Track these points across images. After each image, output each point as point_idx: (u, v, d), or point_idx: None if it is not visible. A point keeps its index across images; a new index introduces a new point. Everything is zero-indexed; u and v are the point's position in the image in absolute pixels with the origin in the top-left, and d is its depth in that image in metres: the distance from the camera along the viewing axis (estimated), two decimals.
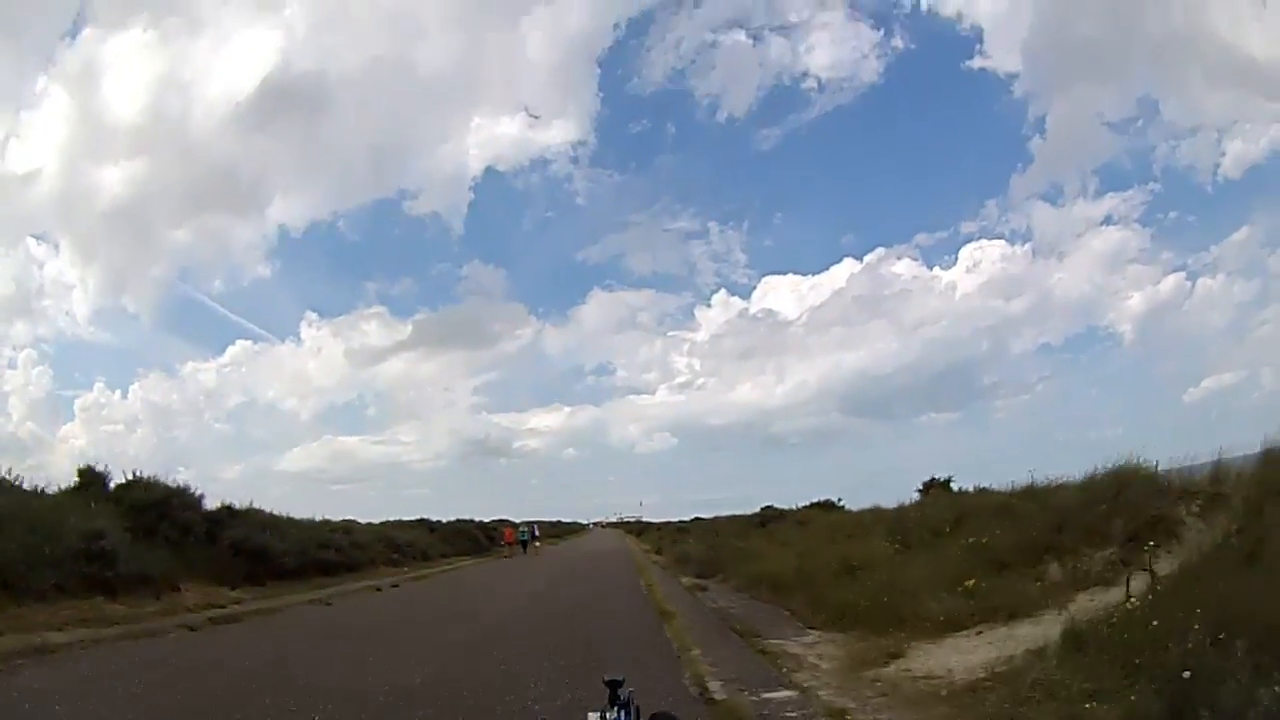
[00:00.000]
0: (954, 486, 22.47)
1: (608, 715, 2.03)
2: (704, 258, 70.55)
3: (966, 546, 10.11)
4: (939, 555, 10.62)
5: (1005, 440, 66.24)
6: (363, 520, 32.09)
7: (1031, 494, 11.06)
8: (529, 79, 68.43)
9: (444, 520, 39.49)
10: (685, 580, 17.18)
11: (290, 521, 19.71)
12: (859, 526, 17.86)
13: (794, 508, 30.76)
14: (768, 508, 35.80)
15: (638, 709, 2.14)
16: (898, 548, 12.94)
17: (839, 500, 32.23)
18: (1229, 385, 56.86)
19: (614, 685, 2.09)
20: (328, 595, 15.25)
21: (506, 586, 17.33)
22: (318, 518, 22.73)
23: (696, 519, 64.84)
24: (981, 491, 15.18)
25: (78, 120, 51.57)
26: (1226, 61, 45.11)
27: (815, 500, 32.22)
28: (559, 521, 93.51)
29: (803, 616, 11.33)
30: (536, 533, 37.18)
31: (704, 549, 23.25)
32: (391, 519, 35.23)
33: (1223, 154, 48.45)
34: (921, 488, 23.99)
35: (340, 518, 30.43)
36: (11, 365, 55.67)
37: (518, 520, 60.85)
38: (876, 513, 19.45)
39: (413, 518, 36.06)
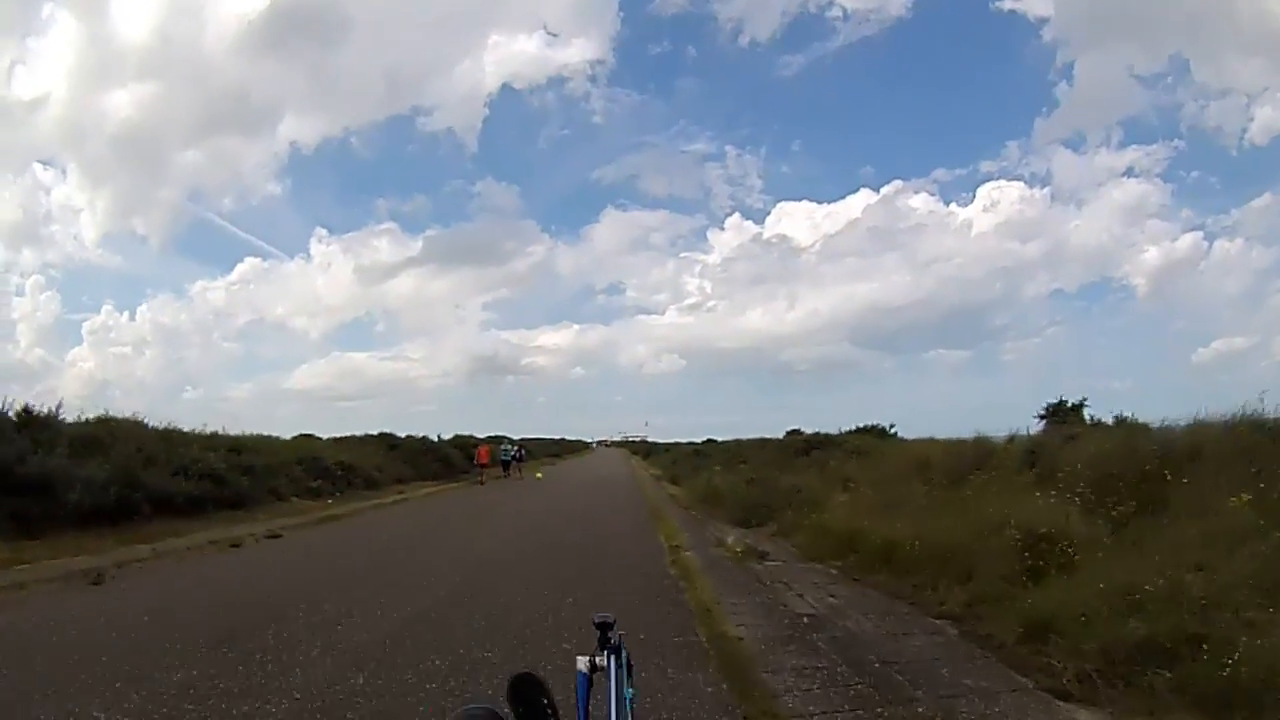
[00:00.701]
0: (1088, 414, 16.28)
1: (597, 659, 1.90)
2: (719, 181, 69.19)
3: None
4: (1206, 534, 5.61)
5: (1012, 382, 65.85)
6: (324, 436, 26.55)
7: None
8: None
9: (444, 437, 34.60)
10: (728, 538, 11.03)
11: (133, 434, 13.59)
12: (971, 463, 11.43)
13: (839, 431, 24.69)
14: (795, 431, 29.62)
15: (628, 653, 1.99)
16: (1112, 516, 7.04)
17: (891, 427, 26.12)
18: (1238, 350, 55.74)
19: (604, 628, 1.94)
20: (117, 561, 9.03)
21: (443, 545, 11.19)
22: (210, 430, 16.68)
23: (710, 440, 59.55)
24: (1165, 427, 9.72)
25: (85, 44, 49.74)
26: (1262, 29, 43.38)
27: (863, 425, 26.37)
28: (562, 439, 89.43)
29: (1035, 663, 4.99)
30: (523, 454, 31.08)
31: (741, 484, 17.03)
32: (356, 434, 29.52)
33: (1250, 119, 47.39)
34: (1046, 412, 17.65)
35: (294, 434, 25.41)
36: (19, 292, 54.92)
37: (516, 437, 58.79)
38: (975, 444, 13.04)
39: (375, 432, 30.05)
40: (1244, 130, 48.61)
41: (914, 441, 18.51)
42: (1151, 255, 59.11)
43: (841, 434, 23.73)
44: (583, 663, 1.90)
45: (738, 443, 36.19)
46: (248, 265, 68.28)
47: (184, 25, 51.62)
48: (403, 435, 29.64)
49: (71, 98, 54.06)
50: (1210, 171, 56.91)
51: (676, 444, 77.19)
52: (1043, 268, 67.52)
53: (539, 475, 29.37)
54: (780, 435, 29.54)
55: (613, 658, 1.89)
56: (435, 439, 32.21)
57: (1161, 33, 58.01)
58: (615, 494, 22.93)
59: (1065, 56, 59.89)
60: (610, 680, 1.82)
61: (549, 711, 1.68)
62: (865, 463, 16.16)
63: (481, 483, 28.34)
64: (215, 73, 53.28)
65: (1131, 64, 57.17)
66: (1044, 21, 60.31)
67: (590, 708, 1.81)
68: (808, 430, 26.56)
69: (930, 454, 13.60)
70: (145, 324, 64.91)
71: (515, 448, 31.32)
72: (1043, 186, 61.58)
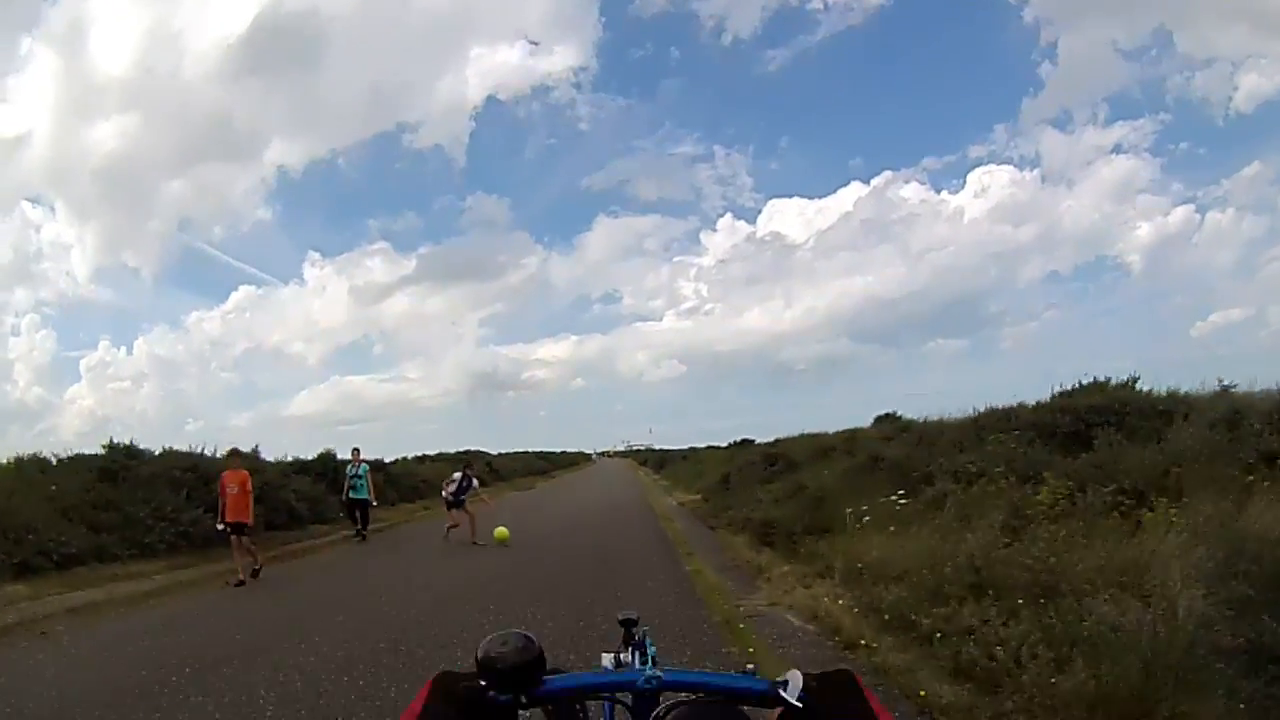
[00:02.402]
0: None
1: (622, 656, 1.92)
2: (710, 182, 69.97)
3: None
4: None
5: (1011, 368, 66.00)
6: None
7: None
8: (528, 5, 67.55)
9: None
10: None
11: None
12: None
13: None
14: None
15: (655, 650, 1.92)
16: None
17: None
18: (1236, 321, 55.59)
19: (629, 624, 1.96)
20: None
21: None
22: None
23: (745, 441, 44.89)
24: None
25: (65, 79, 50.74)
26: None
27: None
28: (562, 452, 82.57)
29: None
30: (471, 484, 15.40)
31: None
32: None
33: (1235, 88, 47.78)
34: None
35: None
36: (14, 332, 54.56)
37: (516, 451, 57.89)
38: None
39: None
40: (1229, 99, 48.34)
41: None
42: (1144, 231, 59.56)
43: None
44: (607, 659, 1.92)
45: (779, 442, 22.99)
46: (242, 294, 68.98)
47: (163, 54, 51.95)
48: (158, 450, 14.57)
49: (55, 133, 53.68)
50: (1199, 143, 57.00)
51: (693, 449, 64.01)
52: (1037, 251, 67.08)
53: (500, 535, 13.87)
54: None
55: (637, 654, 1.89)
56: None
57: (1143, 5, 59.85)
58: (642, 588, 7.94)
59: (1048, 36, 58.85)
60: None
61: (578, 706, 1.62)
62: None
63: (363, 539, 14.99)
64: (197, 101, 53.12)
65: (1115, 38, 55.55)
66: (1025, 1, 60.04)
67: None
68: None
69: None
70: (142, 357, 64.27)
71: (462, 474, 15.29)
72: (1032, 168, 61.43)
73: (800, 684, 0.97)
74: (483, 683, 0.97)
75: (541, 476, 48.13)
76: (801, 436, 24.44)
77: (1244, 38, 49.38)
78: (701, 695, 1.09)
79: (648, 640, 1.88)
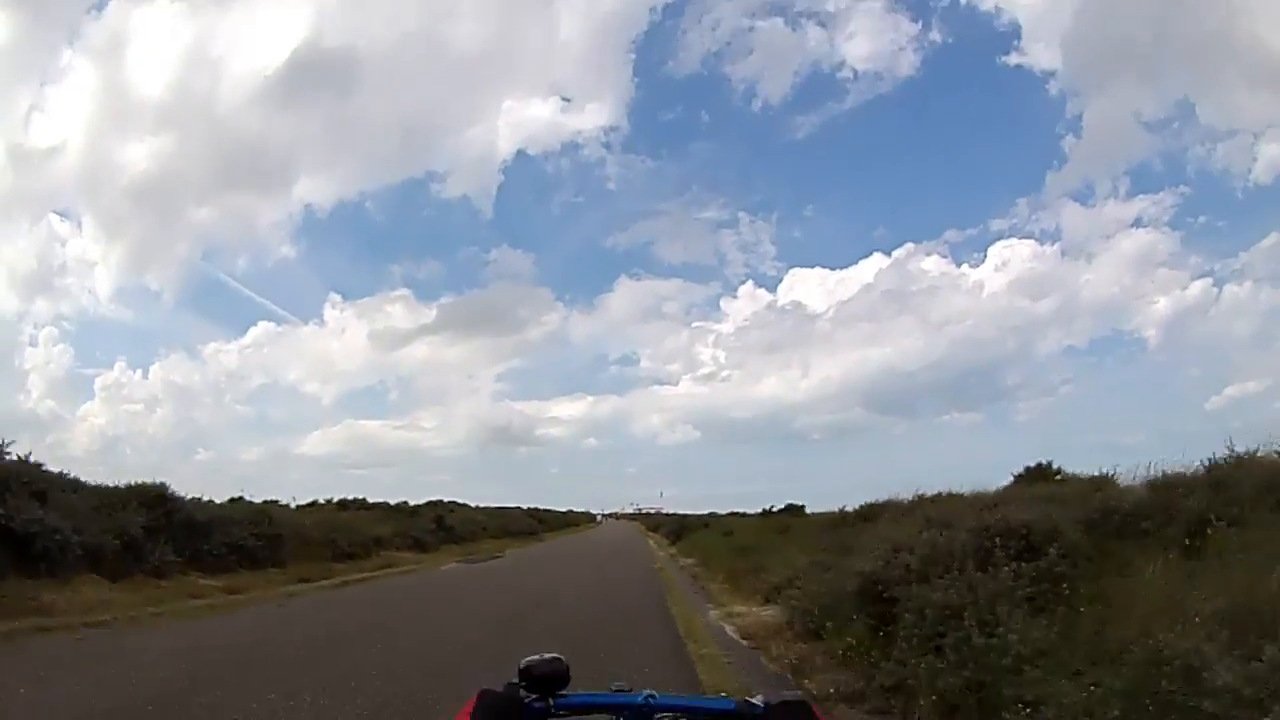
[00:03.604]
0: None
1: None
2: (733, 248, 70.29)
3: None
4: None
5: (1027, 442, 66.59)
6: None
7: None
8: (562, 61, 70.75)
9: None
10: None
11: None
12: None
13: None
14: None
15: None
16: None
17: None
18: (1252, 394, 55.05)
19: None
20: None
21: None
22: None
23: (792, 508, 33.62)
24: None
25: (102, 94, 50.65)
26: (1265, 63, 45.44)
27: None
28: (567, 510, 79.24)
29: None
30: None
31: None
32: None
33: (1255, 159, 48.37)
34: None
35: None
36: (32, 343, 54.86)
37: (526, 507, 56.79)
38: None
39: None
40: (1249, 170, 48.53)
41: None
42: (1161, 305, 59.83)
43: None
44: None
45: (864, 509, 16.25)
46: (261, 329, 67.22)
47: (201, 78, 51.51)
48: None
49: (88, 148, 54.99)
50: (1217, 215, 59.60)
51: (716, 515, 52.48)
52: (1054, 325, 68.84)
53: None
54: None
55: None
56: None
57: (1167, 75, 60.50)
58: None
59: (1073, 109, 60.39)
60: None
61: None
62: None
63: None
64: (231, 128, 52.90)
65: (1138, 109, 55.47)
66: (1050, 74, 60.76)
67: None
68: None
69: None
70: (157, 382, 63.72)
71: None
72: (1053, 242, 62.29)
73: (762, 704, 1.31)
74: (522, 687, 1.34)
75: (521, 540, 36.57)
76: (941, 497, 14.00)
77: (1266, 106, 50.49)
78: (682, 716, 1.38)
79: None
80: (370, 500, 28.47)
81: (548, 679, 1.36)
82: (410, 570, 18.86)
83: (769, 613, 10.39)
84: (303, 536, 17.67)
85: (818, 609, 8.44)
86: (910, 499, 16.63)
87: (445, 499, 43.60)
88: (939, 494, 15.66)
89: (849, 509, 17.84)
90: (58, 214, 55.82)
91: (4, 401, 49.72)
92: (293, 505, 23.92)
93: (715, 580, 16.10)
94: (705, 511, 59.16)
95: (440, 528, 26.02)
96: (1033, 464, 14.96)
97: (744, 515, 46.25)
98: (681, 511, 71.92)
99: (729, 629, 9.48)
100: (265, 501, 20.65)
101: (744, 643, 8.61)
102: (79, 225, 59.68)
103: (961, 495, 15.23)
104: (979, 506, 10.33)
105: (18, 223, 55.88)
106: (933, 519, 10.89)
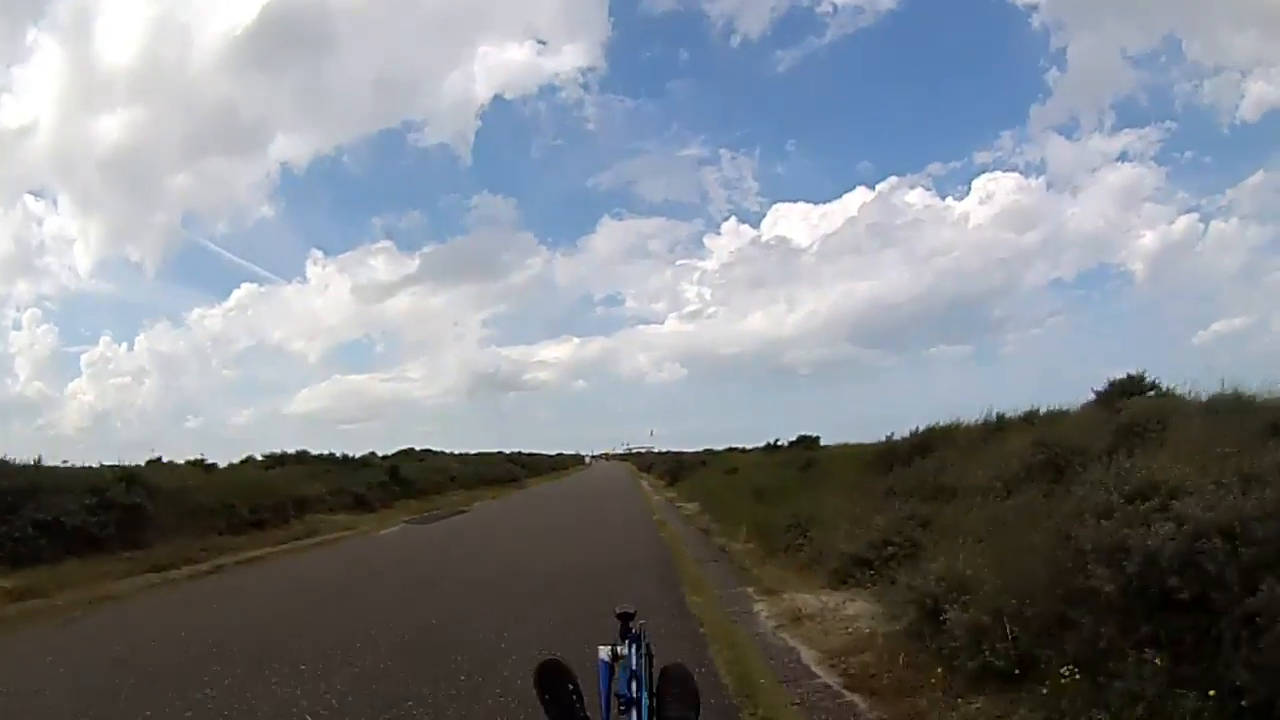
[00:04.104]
0: None
1: (619, 649, 1.99)
2: (716, 185, 70.83)
3: None
4: None
5: (1014, 375, 66.09)
6: None
7: None
8: (537, 4, 64.46)
9: None
10: None
11: None
12: None
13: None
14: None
15: (649, 644, 2.05)
16: None
17: None
18: (1238, 329, 56.15)
19: (625, 618, 2.04)
20: None
21: None
22: None
23: (805, 440, 29.72)
24: None
25: (70, 70, 49.64)
26: (1253, 1, 43.05)
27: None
28: (556, 454, 78.69)
29: None
30: None
31: None
32: None
33: (1242, 96, 46.16)
34: None
35: None
36: (16, 326, 54.02)
37: (512, 451, 54.62)
38: None
39: None
40: (1236, 107, 48.55)
41: None
42: (1148, 239, 60.33)
43: None
44: (604, 651, 1.98)
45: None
46: (244, 291, 69.28)
47: (169, 45, 51.44)
48: None
49: (59, 125, 53.17)
50: (1204, 151, 57.64)
51: (713, 451, 49.08)
52: (1041, 257, 69.07)
53: None
54: None
55: (634, 646, 1.97)
56: None
57: (1153, 10, 59.05)
58: None
59: (1057, 42, 60.01)
60: (632, 668, 1.89)
61: (574, 696, 1.83)
62: None
63: None
64: (203, 93, 52.46)
65: (1124, 45, 55.55)
66: (1033, 8, 59.71)
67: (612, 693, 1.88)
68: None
69: None
70: (143, 353, 64.33)
71: None
72: (1038, 175, 62.04)
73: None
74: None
75: (498, 489, 32.49)
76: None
77: (1254, 43, 47.91)
78: None
79: (645, 633, 1.96)
80: (338, 454, 24.02)
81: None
82: (334, 540, 14.56)
83: (858, 609, 6.14)
84: (186, 505, 13.25)
85: (1017, 622, 4.15)
86: (984, 421, 12.70)
87: (433, 449, 41.01)
88: (1049, 411, 11.60)
89: (896, 437, 13.77)
90: (32, 194, 58.19)
91: None
92: (221, 465, 19.70)
93: (736, 539, 11.93)
94: (700, 449, 56.61)
95: (394, 480, 21.71)
96: (1120, 376, 11.46)
97: (744, 450, 42.79)
98: (674, 449, 71.28)
99: (807, 655, 5.19)
100: (151, 462, 16.14)
101: (857, 700, 4.32)
102: (54, 203, 59.97)
103: (1074, 412, 11.23)
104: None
105: None
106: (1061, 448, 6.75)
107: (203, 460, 21.10)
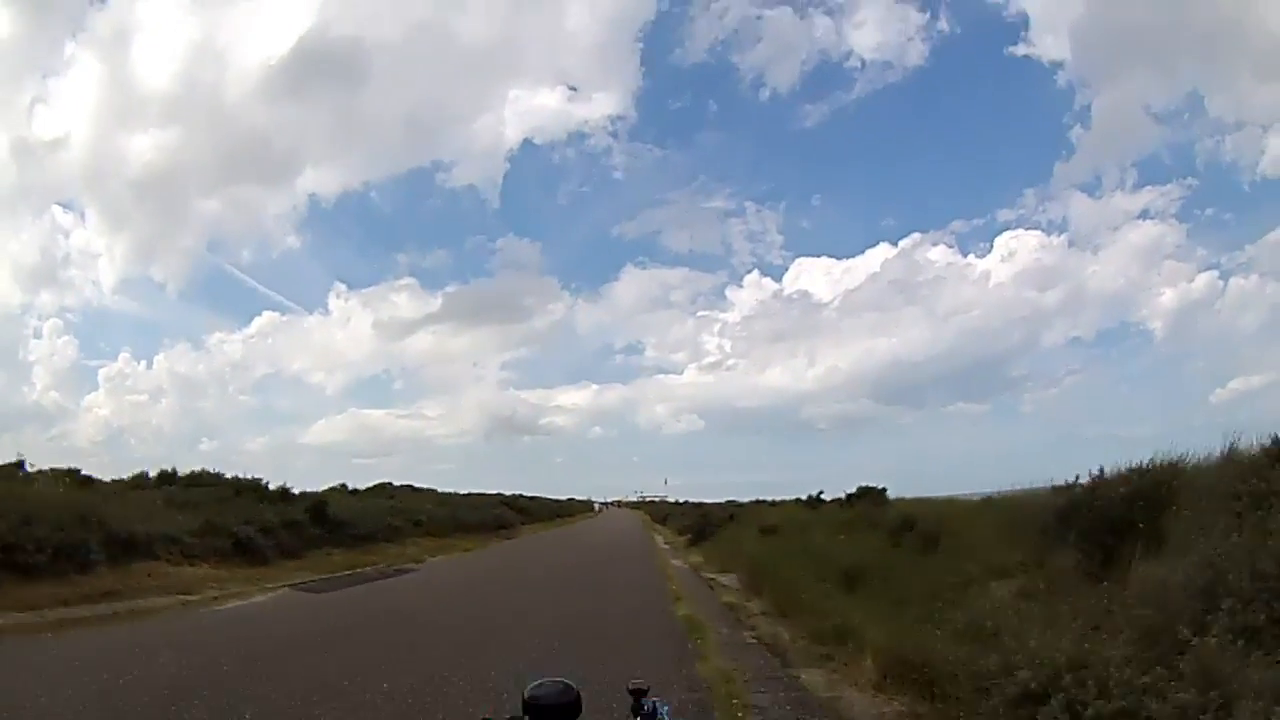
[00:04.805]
0: None
1: None
2: (740, 237, 70.73)
3: None
4: None
5: (1032, 434, 65.75)
6: None
7: None
8: (569, 51, 64.61)
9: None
10: None
11: None
12: None
13: None
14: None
15: (667, 711, 1.80)
16: None
17: None
18: (1257, 387, 54.33)
19: (638, 694, 1.81)
20: None
21: None
22: None
23: (867, 492, 23.28)
24: None
25: (107, 86, 48.69)
26: (1276, 55, 36.55)
27: None
28: (568, 499, 74.42)
29: None
30: None
31: None
32: None
33: (1263, 152, 45.45)
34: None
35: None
36: (36, 335, 53.17)
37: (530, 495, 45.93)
38: None
39: None
40: (1257, 164, 47.60)
41: None
42: (1168, 297, 58.87)
43: None
44: None
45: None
46: (265, 319, 67.70)
47: (206, 69, 48.00)
48: None
49: (92, 140, 49.90)
50: (1224, 208, 56.99)
51: (736, 504, 42.50)
52: (1061, 315, 66.51)
53: None
54: None
55: None
56: None
57: (1177, 66, 58.16)
58: None
59: (1082, 99, 58.86)
60: None
61: None
62: None
63: None
64: (236, 120, 50.87)
65: (1148, 101, 54.29)
66: (1059, 65, 58.68)
67: None
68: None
69: None
70: (162, 373, 64.11)
71: None
72: (1060, 233, 60.81)
73: None
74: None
75: (475, 538, 26.10)
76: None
77: (1276, 98, 44.35)
78: None
79: (662, 707, 1.80)
80: (245, 476, 18.28)
81: (556, 711, 1.31)
82: (138, 611, 8.60)
83: None
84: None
85: None
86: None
87: (436, 488, 38.58)
88: None
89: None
90: (61, 206, 57.87)
91: (8, 394, 49.83)
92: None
93: (854, 677, 5.76)
94: (722, 500, 51.57)
95: (316, 520, 15.76)
96: None
97: (772, 503, 36.21)
98: (689, 499, 68.37)
99: None
100: None
101: None
102: (83, 217, 59.05)
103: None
104: None
105: (21, 216, 54.50)
106: None
107: (75, 471, 16.40)
